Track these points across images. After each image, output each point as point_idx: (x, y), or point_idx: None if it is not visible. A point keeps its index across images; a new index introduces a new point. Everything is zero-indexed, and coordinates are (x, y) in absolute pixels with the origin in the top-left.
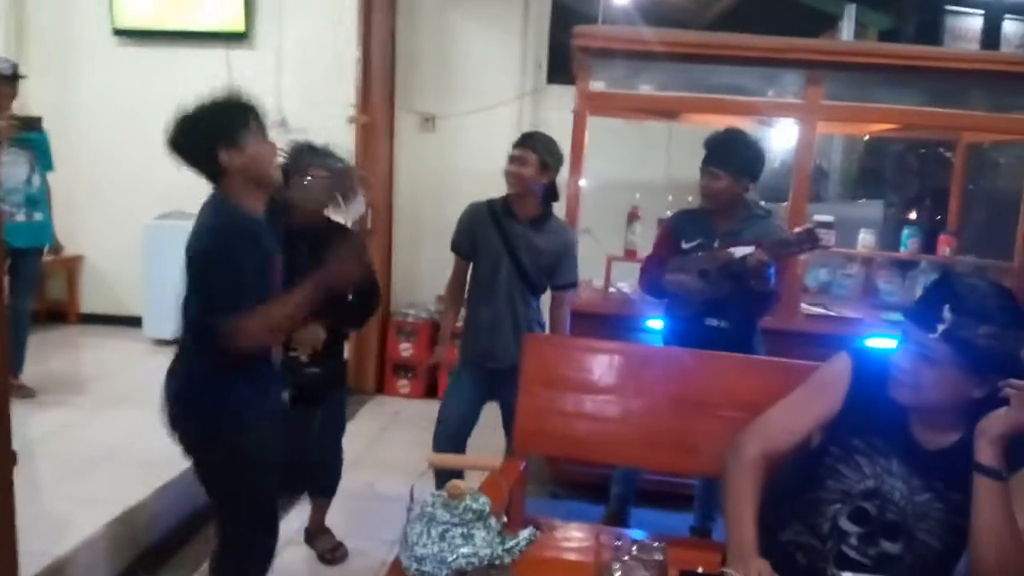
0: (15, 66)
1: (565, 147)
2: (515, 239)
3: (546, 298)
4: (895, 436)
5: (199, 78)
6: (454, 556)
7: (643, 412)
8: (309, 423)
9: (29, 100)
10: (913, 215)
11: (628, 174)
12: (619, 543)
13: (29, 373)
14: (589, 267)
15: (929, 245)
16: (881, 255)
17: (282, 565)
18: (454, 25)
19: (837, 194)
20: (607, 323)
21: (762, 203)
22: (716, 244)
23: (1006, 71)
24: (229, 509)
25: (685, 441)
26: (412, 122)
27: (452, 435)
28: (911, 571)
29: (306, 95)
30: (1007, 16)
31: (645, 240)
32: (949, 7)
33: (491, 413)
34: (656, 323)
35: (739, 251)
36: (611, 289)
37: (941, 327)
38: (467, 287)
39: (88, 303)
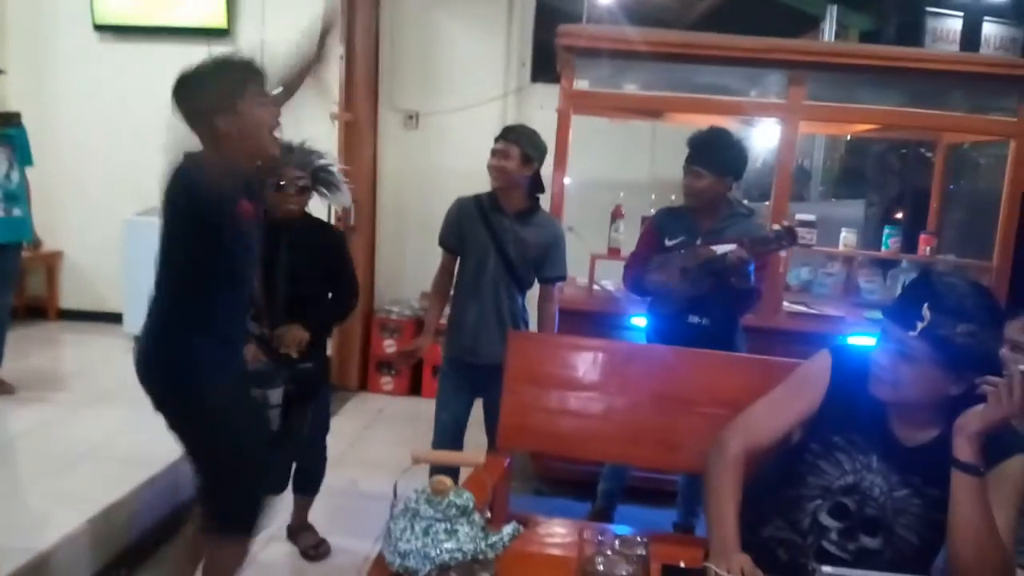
0: None
1: (549, 146)
2: (502, 233)
3: (532, 295)
4: (874, 432)
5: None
6: (438, 551)
7: (626, 409)
8: (304, 419)
9: (8, 95)
10: (894, 215)
11: (612, 173)
12: (602, 538)
13: (8, 369)
14: (573, 265)
15: (910, 244)
16: (862, 254)
17: (264, 561)
18: (438, 23)
19: (819, 193)
20: (591, 320)
21: (745, 201)
22: (699, 242)
23: (985, 73)
24: (205, 462)
25: (668, 438)
26: (396, 119)
27: (448, 436)
28: (890, 566)
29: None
30: (986, 18)
31: (629, 238)
32: (930, 8)
33: (475, 409)
34: (640, 321)
35: (721, 249)
36: (595, 287)
37: (920, 325)
38: (453, 283)
39: (68, 299)
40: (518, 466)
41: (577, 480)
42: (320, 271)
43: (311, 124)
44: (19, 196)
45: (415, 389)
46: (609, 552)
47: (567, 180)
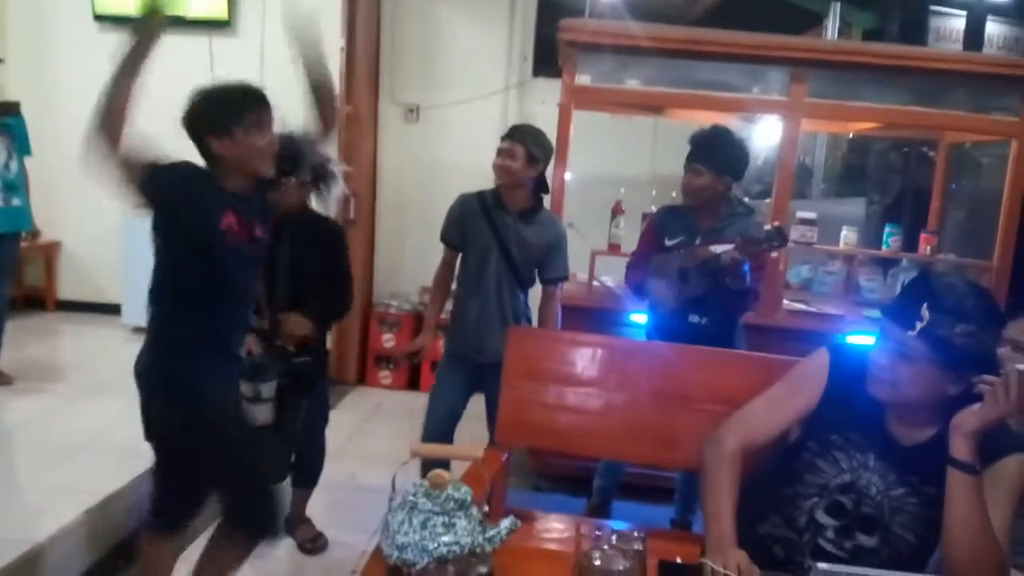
0: None
1: (550, 141)
2: (505, 231)
3: (535, 293)
4: (872, 431)
5: (181, 66)
6: (435, 544)
7: (625, 405)
8: (298, 414)
9: (8, 84)
10: (895, 213)
11: (613, 168)
12: (599, 533)
13: (6, 360)
14: (573, 261)
15: (910, 243)
16: (863, 252)
17: (262, 554)
18: (439, 16)
19: (821, 191)
20: (591, 317)
21: (745, 199)
22: (698, 241)
23: (988, 72)
24: (208, 480)
25: (666, 434)
26: (396, 113)
27: (440, 428)
28: (886, 564)
29: (289, 85)
30: (990, 17)
31: (629, 234)
32: (933, 7)
33: (475, 404)
34: (639, 317)
35: (720, 248)
36: (595, 283)
37: (919, 325)
38: (455, 279)
39: (66, 290)
40: (517, 461)
41: (575, 476)
42: (320, 265)
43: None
44: (18, 186)
45: (413, 383)
46: (606, 547)
47: (568, 175)
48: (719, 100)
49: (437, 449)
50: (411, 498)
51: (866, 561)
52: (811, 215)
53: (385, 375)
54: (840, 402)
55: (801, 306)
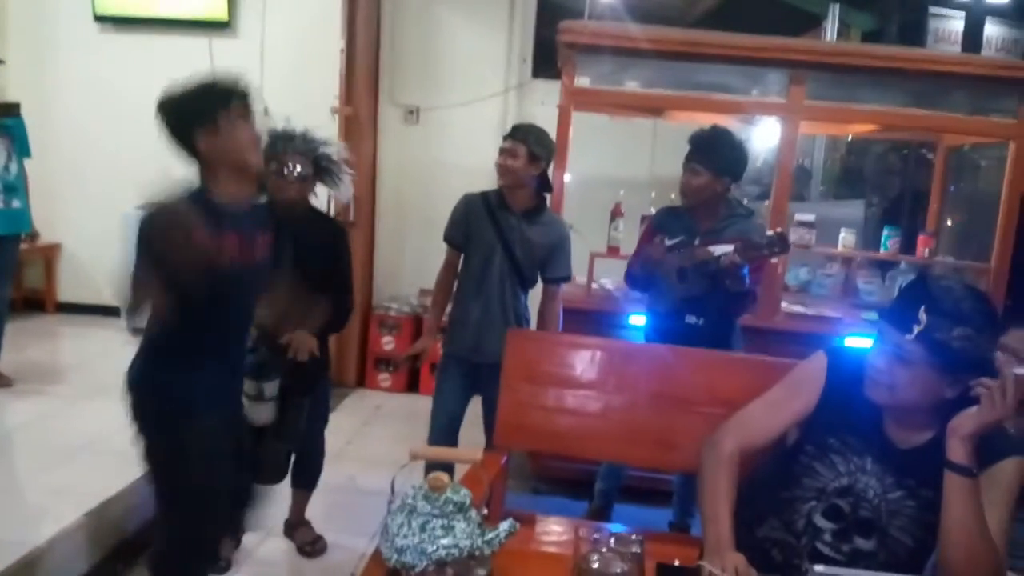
0: None
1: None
2: (509, 231)
3: (535, 294)
4: (869, 435)
5: (181, 67)
6: (434, 547)
7: (624, 408)
8: (301, 413)
9: (8, 85)
10: (893, 215)
11: (612, 170)
12: (597, 536)
13: (6, 362)
14: (573, 263)
15: (909, 245)
16: (861, 255)
17: (261, 557)
18: (439, 17)
19: (819, 193)
20: (590, 319)
21: (744, 202)
22: (697, 242)
23: (986, 74)
24: (162, 500)
25: (665, 437)
26: (396, 114)
27: (445, 433)
28: (884, 567)
29: (289, 86)
30: (988, 19)
31: (628, 237)
32: (932, 9)
33: (473, 406)
34: (638, 319)
35: (718, 249)
36: (594, 285)
37: (917, 328)
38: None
39: (66, 292)
40: (515, 464)
41: (574, 479)
42: (322, 264)
43: (311, 118)
44: (18, 188)
45: (413, 386)
46: (604, 550)
47: (567, 177)
48: (718, 102)
49: (437, 452)
50: (410, 501)
51: (864, 564)
52: (809, 217)
53: (385, 378)
54: (837, 405)
55: (799, 308)
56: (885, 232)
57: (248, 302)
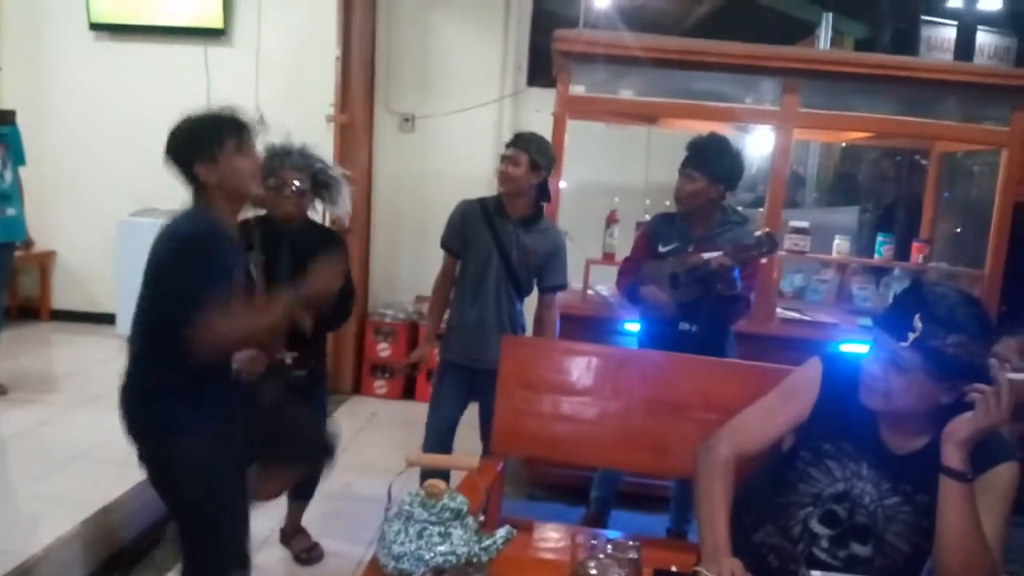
0: None
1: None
2: (506, 238)
3: (531, 301)
4: (865, 440)
5: (176, 75)
6: (432, 554)
7: (619, 414)
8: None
9: (3, 94)
10: (887, 222)
11: (607, 177)
12: (594, 542)
13: (1, 370)
14: (568, 269)
15: (903, 252)
16: (855, 261)
17: (258, 565)
18: (434, 25)
19: (813, 200)
20: (585, 325)
21: (739, 209)
22: (691, 248)
23: (978, 82)
24: (183, 524)
25: (660, 443)
26: (391, 122)
27: (440, 439)
28: (880, 573)
29: (284, 94)
30: (980, 27)
31: (623, 243)
32: (924, 17)
33: (470, 413)
34: (633, 326)
35: (712, 256)
36: (589, 292)
37: (912, 336)
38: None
39: (60, 300)
40: (512, 471)
41: (571, 485)
42: None
43: (306, 126)
44: (12, 195)
45: (409, 393)
46: (601, 556)
47: (563, 184)
48: (712, 110)
49: (433, 459)
50: (407, 508)
51: (860, 570)
52: (804, 224)
53: (380, 385)
54: (833, 411)
55: (794, 314)
56: (879, 238)
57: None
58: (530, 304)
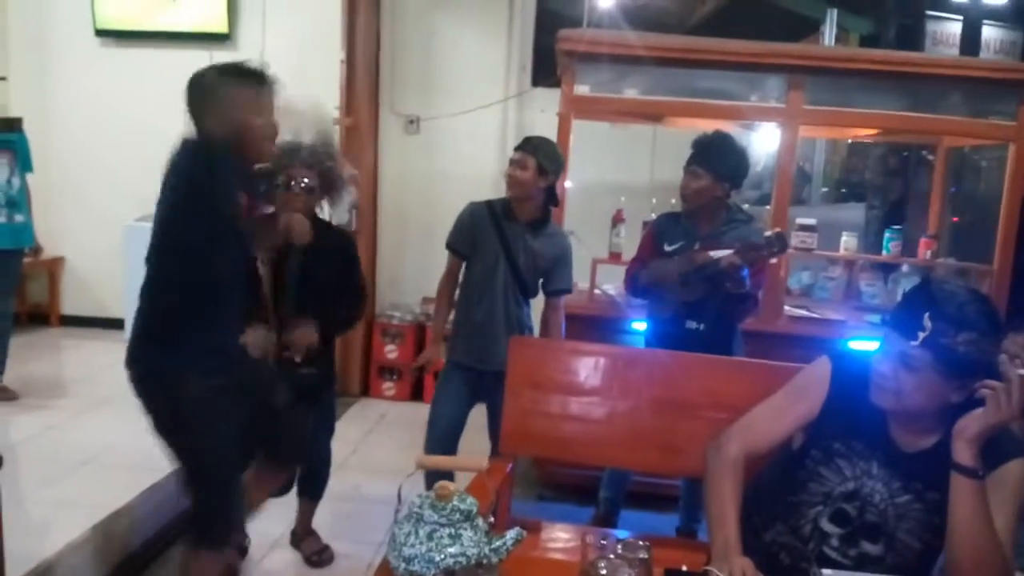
0: None
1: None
2: (513, 241)
3: (537, 303)
4: (875, 439)
5: (181, 80)
6: (442, 556)
7: (628, 413)
8: (305, 424)
9: (10, 101)
10: (895, 218)
11: (613, 177)
12: (604, 542)
13: (11, 376)
14: (574, 269)
15: (911, 248)
16: (863, 258)
17: (268, 568)
18: (439, 27)
19: (820, 197)
20: (592, 325)
21: (745, 207)
22: (697, 246)
23: (985, 77)
24: (184, 465)
25: (669, 442)
26: (396, 124)
27: (443, 438)
28: (891, 571)
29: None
30: (986, 22)
31: (630, 243)
32: (930, 12)
33: (477, 414)
34: (640, 325)
35: (718, 254)
36: (596, 291)
37: (922, 335)
38: (457, 288)
39: (69, 305)
40: (521, 471)
41: (580, 485)
42: (330, 274)
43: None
44: (20, 202)
45: (417, 394)
46: (611, 556)
47: (568, 184)
48: (717, 108)
49: (442, 461)
50: (417, 510)
51: (871, 568)
52: (811, 221)
53: (388, 386)
54: (842, 410)
55: (802, 312)
56: (887, 235)
57: (240, 268)
58: (536, 305)
